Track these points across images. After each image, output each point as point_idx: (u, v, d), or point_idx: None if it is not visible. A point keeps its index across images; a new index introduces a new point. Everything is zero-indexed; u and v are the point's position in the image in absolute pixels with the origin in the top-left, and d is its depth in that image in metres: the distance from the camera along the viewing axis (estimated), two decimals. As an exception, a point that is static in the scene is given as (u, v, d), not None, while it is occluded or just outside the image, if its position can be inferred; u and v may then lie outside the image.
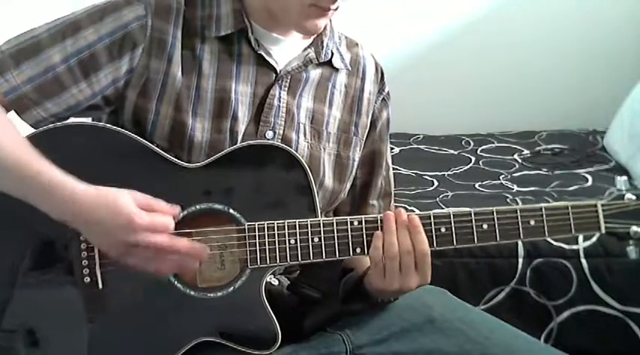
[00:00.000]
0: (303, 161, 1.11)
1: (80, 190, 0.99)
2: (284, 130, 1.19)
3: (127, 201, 0.99)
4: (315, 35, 1.21)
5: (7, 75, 1.09)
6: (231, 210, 1.09)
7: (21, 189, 1.01)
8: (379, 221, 1.10)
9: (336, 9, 1.13)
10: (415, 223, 1.09)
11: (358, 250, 1.09)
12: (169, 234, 1.01)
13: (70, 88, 1.11)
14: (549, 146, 2.79)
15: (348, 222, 1.09)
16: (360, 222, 1.10)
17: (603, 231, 1.11)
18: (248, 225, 1.09)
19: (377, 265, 1.09)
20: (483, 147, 2.84)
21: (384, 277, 1.09)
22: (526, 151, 2.76)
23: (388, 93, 1.33)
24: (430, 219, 1.10)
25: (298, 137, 1.20)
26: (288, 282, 1.22)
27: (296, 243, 1.08)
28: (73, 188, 0.99)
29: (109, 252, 1.02)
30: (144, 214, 0.99)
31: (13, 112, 1.11)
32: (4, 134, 1.03)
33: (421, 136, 2.97)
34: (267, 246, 1.08)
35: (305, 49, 1.21)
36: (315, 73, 1.23)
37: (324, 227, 1.09)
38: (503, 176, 2.47)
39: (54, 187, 0.99)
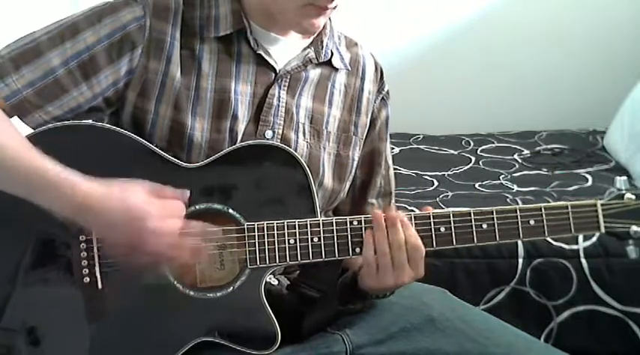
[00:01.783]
0: (302, 161, 1.11)
1: (88, 185, 0.99)
2: (283, 130, 1.19)
3: (137, 192, 1.00)
4: (315, 35, 1.21)
5: (7, 79, 1.09)
6: (230, 210, 1.09)
7: (26, 187, 1.00)
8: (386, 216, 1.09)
9: (334, 8, 1.13)
10: (403, 219, 1.09)
11: (358, 250, 1.09)
12: (182, 218, 1.02)
13: (70, 91, 1.11)
14: (549, 146, 2.79)
15: (348, 222, 1.10)
16: (359, 222, 1.10)
17: (603, 230, 1.11)
18: (247, 225, 1.09)
19: (369, 264, 1.09)
20: (483, 147, 2.84)
21: (377, 274, 1.09)
22: (526, 151, 2.76)
23: (387, 92, 1.33)
24: (429, 218, 1.10)
25: (297, 136, 1.20)
26: (288, 282, 1.22)
27: (295, 242, 1.09)
28: (81, 183, 0.99)
29: (117, 248, 1.02)
30: (156, 201, 1.00)
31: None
32: (6, 135, 1.03)
33: (421, 136, 2.97)
34: (266, 246, 1.08)
35: (304, 49, 1.21)
36: (314, 73, 1.23)
37: (323, 227, 1.09)
38: (503, 176, 2.47)
39: (61, 183, 0.98)
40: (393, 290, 1.16)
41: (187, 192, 1.05)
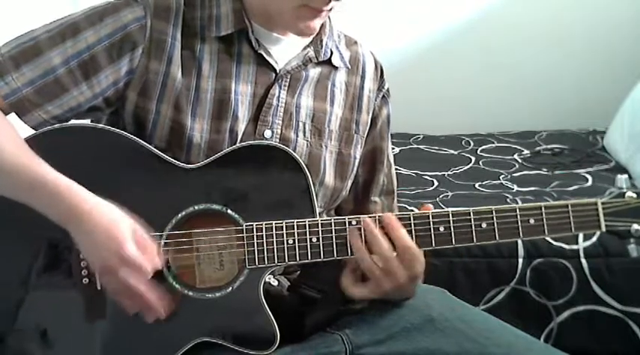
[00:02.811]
0: (301, 161, 1.11)
1: (83, 196, 0.99)
2: (282, 129, 1.18)
3: (126, 227, 0.99)
4: (314, 34, 1.21)
5: (7, 78, 1.09)
6: (229, 211, 1.09)
7: (23, 192, 1.01)
8: (377, 220, 1.09)
9: (329, 10, 1.13)
10: (390, 223, 1.08)
11: (357, 250, 1.09)
12: (146, 279, 1.00)
13: (70, 90, 1.11)
14: (549, 146, 2.79)
15: (347, 222, 1.09)
16: (358, 222, 1.09)
17: (604, 229, 1.10)
18: (246, 225, 1.09)
19: (370, 273, 1.08)
20: (483, 147, 2.84)
21: (373, 282, 1.09)
22: (526, 151, 2.76)
23: (388, 90, 1.33)
24: (429, 218, 1.09)
25: (297, 136, 1.20)
26: (288, 283, 1.22)
27: (294, 243, 1.08)
28: (76, 192, 0.99)
29: (90, 264, 1.02)
30: (134, 248, 0.99)
31: (13, 114, 1.11)
32: (4, 137, 1.03)
33: (421, 136, 2.98)
34: (265, 246, 1.08)
35: (304, 48, 1.21)
36: (314, 72, 1.23)
37: (322, 227, 1.09)
38: (503, 176, 2.47)
39: (54, 189, 0.99)
40: (410, 295, 1.16)
41: (162, 263, 1.03)
